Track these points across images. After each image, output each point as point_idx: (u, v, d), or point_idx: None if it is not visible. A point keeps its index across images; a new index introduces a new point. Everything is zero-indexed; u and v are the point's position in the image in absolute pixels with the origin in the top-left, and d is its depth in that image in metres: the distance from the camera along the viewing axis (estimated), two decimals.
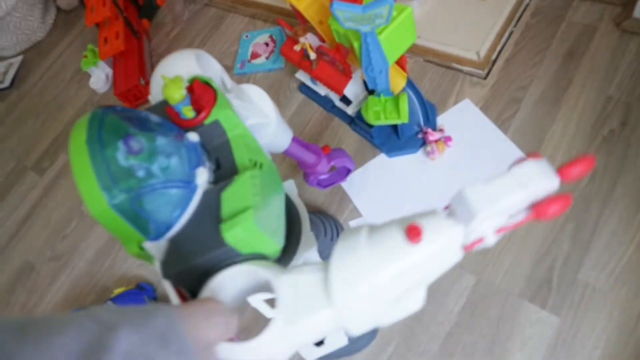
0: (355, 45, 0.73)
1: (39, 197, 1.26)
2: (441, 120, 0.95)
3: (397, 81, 0.86)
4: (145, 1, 1.37)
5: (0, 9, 1.42)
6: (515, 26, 1.00)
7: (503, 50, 0.99)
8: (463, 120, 0.94)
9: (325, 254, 0.84)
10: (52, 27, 1.61)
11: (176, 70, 0.52)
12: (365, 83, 0.93)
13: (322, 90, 1.03)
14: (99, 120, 0.41)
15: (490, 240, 0.37)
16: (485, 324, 0.78)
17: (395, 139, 0.95)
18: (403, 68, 0.87)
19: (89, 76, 1.35)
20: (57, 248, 1.15)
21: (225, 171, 0.47)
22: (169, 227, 0.43)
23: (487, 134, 0.92)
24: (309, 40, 0.89)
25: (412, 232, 0.36)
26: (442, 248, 0.36)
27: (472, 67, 0.98)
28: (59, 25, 1.61)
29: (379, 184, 0.93)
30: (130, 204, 0.40)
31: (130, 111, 0.46)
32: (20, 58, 1.56)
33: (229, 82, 0.58)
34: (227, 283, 0.40)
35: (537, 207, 0.36)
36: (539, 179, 0.35)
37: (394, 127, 0.95)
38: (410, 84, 0.91)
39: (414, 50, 1.03)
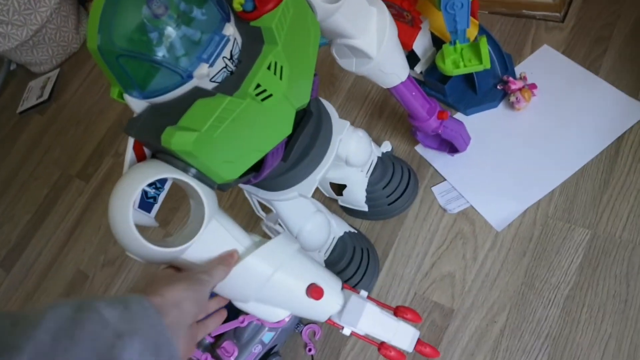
0: None
1: (86, 203, 1.21)
2: (520, 69, 0.86)
3: (469, 29, 0.78)
4: None
5: (35, 22, 1.40)
6: None
7: None
8: (545, 66, 0.85)
9: (374, 199, 0.80)
10: (85, 37, 1.58)
11: None
12: (433, 36, 0.85)
13: None
14: None
15: (345, 332, 0.51)
16: (612, 282, 0.67)
17: (472, 95, 0.86)
18: (474, 14, 0.79)
19: None
20: (110, 252, 1.09)
21: (233, 78, 0.45)
22: (152, 95, 0.44)
23: (576, 78, 0.82)
24: None
25: (314, 291, 0.49)
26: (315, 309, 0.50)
27: (547, 11, 0.89)
28: None
29: None
30: (117, 58, 0.41)
31: None
32: (57, 71, 1.54)
33: None
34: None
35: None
36: (398, 341, 0.51)
37: (469, 82, 0.86)
38: (483, 30, 0.83)
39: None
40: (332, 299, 0.51)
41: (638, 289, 0.65)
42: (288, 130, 0.49)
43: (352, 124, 0.94)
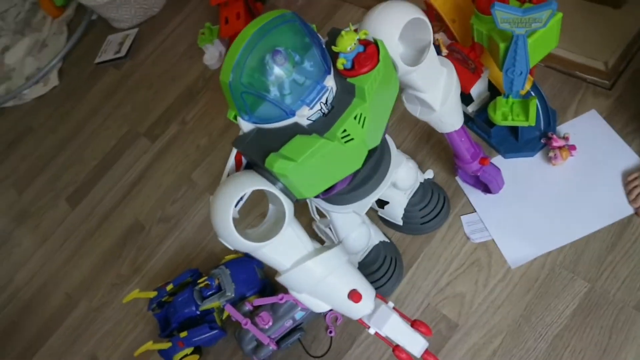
0: (502, 46, 0.75)
1: (150, 161, 1.35)
2: (565, 128, 0.95)
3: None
4: None
5: None
6: None
7: (632, 61, 0.98)
8: (589, 131, 0.93)
9: (409, 217, 0.91)
10: (166, 3, 1.70)
11: (382, 22, 0.59)
12: (490, 83, 0.95)
13: None
14: (279, 22, 0.52)
15: (370, 331, 0.64)
16: (597, 332, 0.79)
17: (513, 141, 0.96)
18: (530, 72, 0.88)
19: (202, 52, 1.43)
20: (166, 210, 1.24)
21: (326, 120, 0.56)
22: (260, 122, 0.57)
23: (613, 149, 0.90)
24: (441, 37, 0.92)
25: (355, 296, 0.61)
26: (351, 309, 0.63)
27: (597, 77, 0.98)
28: (172, 3, 1.70)
29: None
30: (241, 94, 0.53)
31: (311, 31, 0.55)
32: (135, 30, 1.67)
33: (429, 55, 0.64)
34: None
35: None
36: (410, 347, 0.63)
37: (513, 129, 0.96)
38: (535, 87, 0.92)
39: None
40: (367, 304, 0.63)
41: (618, 342, 0.77)
42: (359, 165, 0.62)
43: (401, 144, 1.06)
